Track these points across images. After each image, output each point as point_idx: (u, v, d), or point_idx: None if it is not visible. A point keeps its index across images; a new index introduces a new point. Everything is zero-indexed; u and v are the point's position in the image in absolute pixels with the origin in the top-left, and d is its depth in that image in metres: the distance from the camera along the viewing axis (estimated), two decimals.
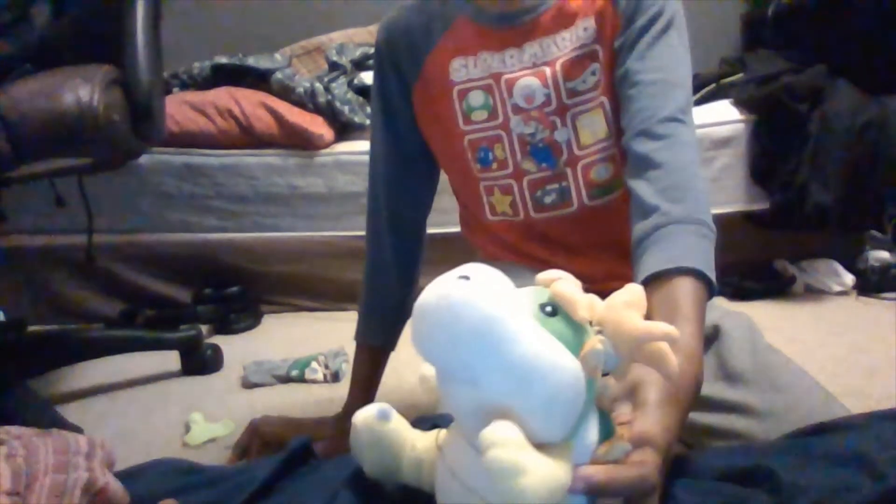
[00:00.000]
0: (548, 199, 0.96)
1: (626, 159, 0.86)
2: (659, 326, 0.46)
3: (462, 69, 0.95)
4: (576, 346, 0.46)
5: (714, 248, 0.74)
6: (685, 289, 0.68)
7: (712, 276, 0.70)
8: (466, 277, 0.45)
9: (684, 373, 0.56)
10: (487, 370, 0.44)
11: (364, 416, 0.55)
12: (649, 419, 0.52)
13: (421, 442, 0.54)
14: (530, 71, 0.92)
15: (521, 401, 0.44)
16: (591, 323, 0.49)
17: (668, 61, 0.86)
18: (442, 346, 0.45)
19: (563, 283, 0.48)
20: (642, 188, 0.80)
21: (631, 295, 0.48)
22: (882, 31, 1.91)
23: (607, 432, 0.49)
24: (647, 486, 0.48)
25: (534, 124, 0.93)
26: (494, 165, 0.96)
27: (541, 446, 0.43)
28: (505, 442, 0.41)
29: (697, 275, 0.69)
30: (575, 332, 0.47)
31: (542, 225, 0.97)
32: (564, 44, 0.92)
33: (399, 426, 0.55)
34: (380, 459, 0.55)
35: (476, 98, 0.95)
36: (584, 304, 0.47)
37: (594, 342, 0.47)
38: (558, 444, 0.45)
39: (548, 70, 0.92)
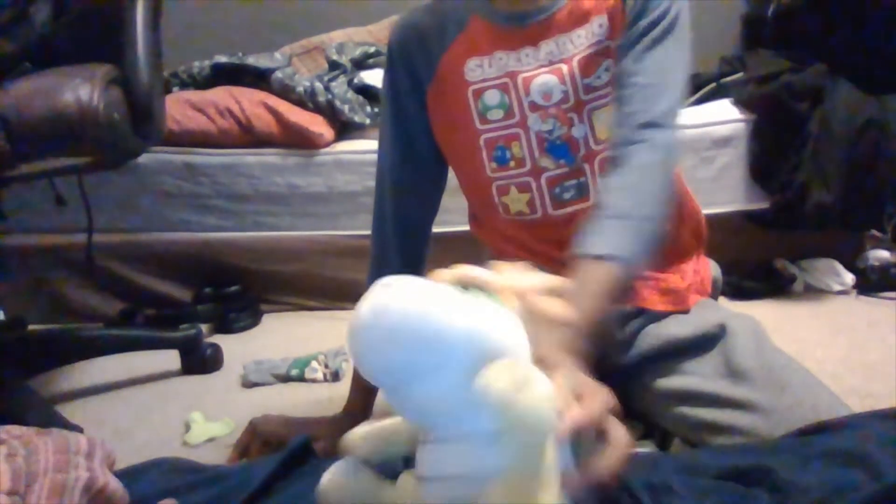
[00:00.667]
0: (567, 195, 0.96)
1: None
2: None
3: (477, 69, 0.96)
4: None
5: (646, 240, 0.77)
6: (593, 270, 0.73)
7: (629, 260, 0.73)
8: (388, 285, 0.47)
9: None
10: (448, 350, 0.45)
11: (332, 473, 0.55)
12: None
13: (393, 491, 0.53)
14: (547, 68, 0.93)
15: (486, 347, 0.46)
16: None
17: (662, 65, 0.87)
18: (393, 360, 0.46)
19: (460, 269, 0.52)
20: (603, 186, 0.83)
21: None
22: (882, 30, 1.91)
23: None
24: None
25: (552, 121, 0.94)
26: (512, 164, 0.97)
27: None
28: (508, 365, 0.44)
29: (603, 259, 0.73)
30: (495, 299, 0.50)
31: (559, 222, 0.97)
32: (580, 41, 0.93)
33: (368, 476, 0.55)
34: None
35: (492, 97, 0.95)
36: (489, 274, 0.51)
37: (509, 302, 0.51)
38: None
39: (564, 67, 0.92)
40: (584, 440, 0.49)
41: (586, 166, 0.95)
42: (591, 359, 0.64)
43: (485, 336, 0.46)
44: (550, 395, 0.45)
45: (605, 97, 0.93)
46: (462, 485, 0.47)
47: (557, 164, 0.95)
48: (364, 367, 0.47)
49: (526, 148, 0.96)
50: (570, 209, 0.96)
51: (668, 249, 0.97)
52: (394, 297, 0.46)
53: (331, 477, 0.54)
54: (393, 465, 0.57)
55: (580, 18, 0.93)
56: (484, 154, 0.97)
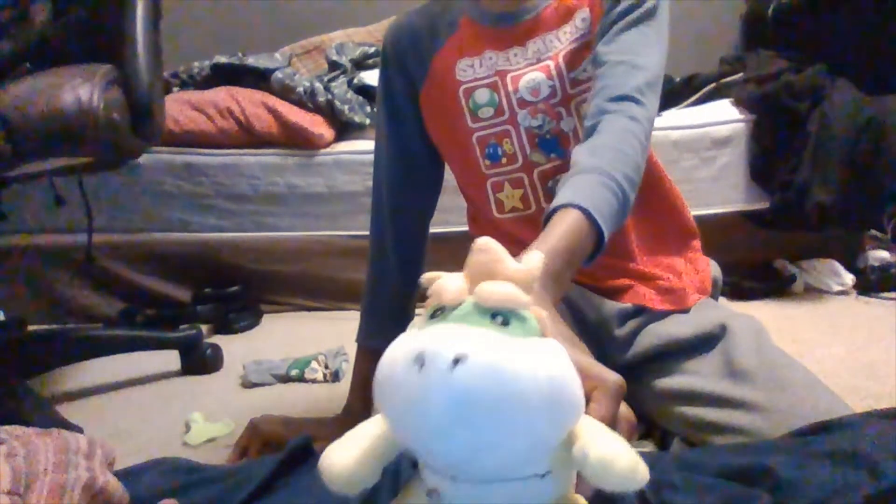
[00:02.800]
0: None
1: None
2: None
3: (468, 69, 0.97)
4: (534, 328, 0.41)
5: (617, 198, 0.73)
6: (558, 216, 0.69)
7: (598, 216, 0.69)
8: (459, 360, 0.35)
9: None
10: (528, 416, 0.37)
11: None
12: None
13: None
14: (535, 66, 0.94)
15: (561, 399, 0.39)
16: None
17: (635, 45, 0.86)
18: (474, 433, 0.36)
19: (490, 286, 0.41)
20: (576, 150, 0.79)
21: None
22: (882, 30, 1.91)
23: None
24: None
25: (541, 116, 0.95)
26: (504, 160, 0.98)
27: None
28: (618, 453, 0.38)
29: (574, 207, 0.69)
30: (528, 322, 0.41)
31: None
32: (565, 37, 0.94)
33: None
34: None
35: (482, 95, 0.97)
36: (520, 293, 0.41)
37: (538, 313, 0.42)
38: None
39: (551, 63, 0.94)
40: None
41: None
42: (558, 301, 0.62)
43: (561, 387, 0.39)
44: (633, 459, 0.39)
45: (590, 90, 0.93)
46: None
47: (549, 159, 0.96)
48: (428, 436, 0.38)
49: (517, 144, 0.97)
50: None
51: (649, 238, 0.98)
52: (481, 371, 0.35)
53: None
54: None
55: (565, 15, 0.94)
56: (477, 151, 0.99)
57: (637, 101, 0.82)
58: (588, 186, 0.72)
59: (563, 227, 0.67)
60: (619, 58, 0.85)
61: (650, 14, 0.88)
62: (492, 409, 0.35)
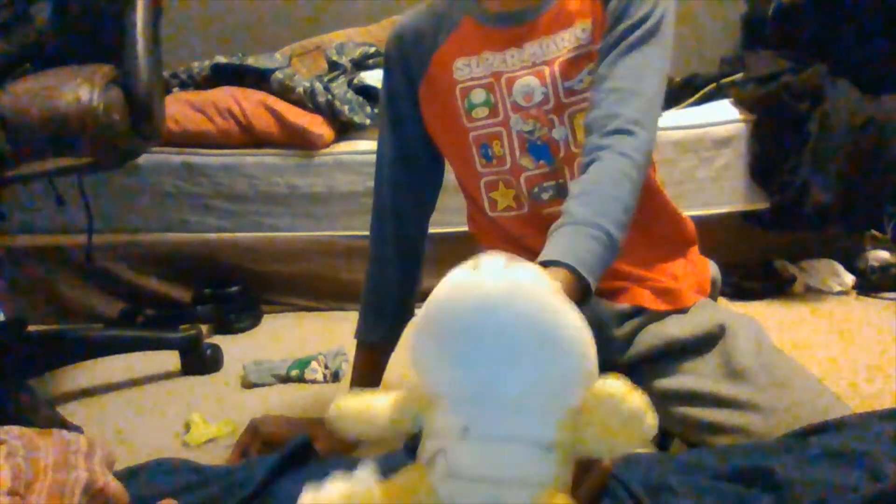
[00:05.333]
0: (545, 196, 0.97)
1: None
2: None
3: (465, 68, 0.97)
4: None
5: (606, 248, 0.76)
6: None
7: (583, 269, 0.72)
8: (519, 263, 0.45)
9: None
10: (552, 351, 0.44)
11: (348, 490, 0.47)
12: None
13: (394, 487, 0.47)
14: (530, 70, 0.94)
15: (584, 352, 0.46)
16: None
17: (636, 70, 0.86)
18: (503, 332, 0.43)
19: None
20: (570, 190, 0.82)
21: None
22: (882, 30, 1.91)
23: None
24: None
25: (532, 122, 0.95)
26: (494, 162, 0.98)
27: None
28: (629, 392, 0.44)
29: (561, 266, 0.72)
30: None
31: (546, 218, 0.97)
32: (563, 44, 0.93)
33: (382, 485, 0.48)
34: None
35: (478, 96, 0.97)
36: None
37: None
38: None
39: (546, 69, 0.93)
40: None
41: (566, 168, 0.95)
42: None
43: (590, 344, 0.46)
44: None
45: (586, 101, 0.93)
46: (508, 489, 0.44)
47: (537, 165, 0.96)
48: (465, 328, 0.44)
49: (507, 146, 0.97)
50: (547, 210, 0.97)
51: (645, 249, 0.97)
52: (530, 276, 0.44)
53: (348, 491, 0.47)
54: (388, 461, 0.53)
55: (565, 22, 0.93)
56: (473, 150, 0.99)
57: (630, 133, 0.82)
58: (575, 240, 0.75)
59: None
60: (617, 84, 0.85)
61: (653, 33, 0.87)
62: (531, 310, 0.42)
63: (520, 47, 0.95)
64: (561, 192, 0.96)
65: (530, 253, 0.99)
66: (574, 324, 0.45)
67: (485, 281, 0.43)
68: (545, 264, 0.71)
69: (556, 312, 0.44)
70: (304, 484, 0.50)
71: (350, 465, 0.57)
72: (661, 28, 0.88)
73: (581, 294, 0.71)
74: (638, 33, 0.87)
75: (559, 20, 0.94)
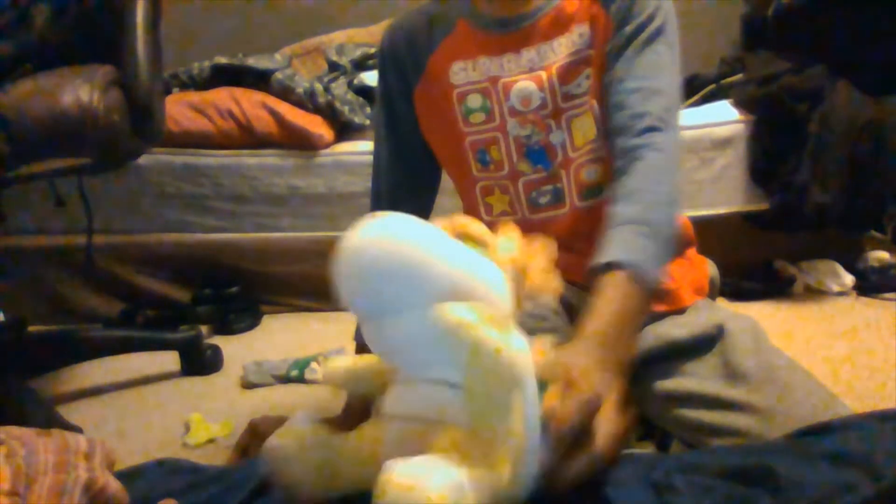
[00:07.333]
0: (543, 200, 0.97)
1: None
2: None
3: (462, 72, 0.97)
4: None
5: (661, 242, 0.76)
6: (602, 282, 0.71)
7: (642, 267, 0.72)
8: (376, 221, 0.47)
9: (584, 353, 0.62)
10: (420, 297, 0.45)
11: (284, 429, 0.51)
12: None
13: (352, 438, 0.51)
14: (527, 75, 0.93)
15: (467, 293, 0.46)
16: None
17: (653, 68, 0.86)
18: (372, 288, 0.46)
19: (460, 219, 0.52)
20: (611, 196, 0.82)
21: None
22: (882, 31, 1.91)
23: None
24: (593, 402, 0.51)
25: (530, 127, 0.94)
26: (492, 167, 0.98)
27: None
28: (470, 307, 0.44)
29: (618, 266, 0.71)
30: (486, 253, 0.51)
31: (537, 225, 0.97)
32: (560, 49, 0.93)
33: (320, 427, 0.51)
34: (313, 468, 0.49)
35: (474, 101, 0.96)
36: (483, 228, 0.51)
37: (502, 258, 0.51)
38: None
39: (544, 74, 0.93)
40: (556, 434, 0.47)
41: (563, 173, 0.95)
42: (620, 369, 0.63)
43: (466, 280, 0.46)
44: (523, 349, 0.44)
45: (584, 105, 0.93)
46: (421, 426, 0.47)
47: (535, 170, 0.96)
48: (343, 292, 0.47)
49: (504, 152, 0.96)
50: (544, 214, 0.97)
51: None
52: (383, 226, 0.46)
53: (283, 430, 0.51)
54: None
55: (562, 26, 0.93)
56: (469, 155, 0.98)
57: (661, 129, 0.82)
58: (629, 240, 0.75)
59: (610, 293, 0.70)
60: (636, 84, 0.85)
61: (661, 30, 0.88)
62: (380, 254, 0.46)
63: (517, 52, 0.94)
64: (558, 197, 0.96)
65: None
66: (430, 254, 0.46)
67: (351, 238, 0.47)
68: (601, 268, 0.71)
69: (406, 249, 0.46)
70: None
71: None
72: (668, 25, 0.88)
73: (647, 292, 0.71)
74: (648, 31, 0.87)
75: (556, 25, 0.93)
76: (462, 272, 0.46)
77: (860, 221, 1.96)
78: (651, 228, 0.76)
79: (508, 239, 0.53)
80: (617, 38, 0.88)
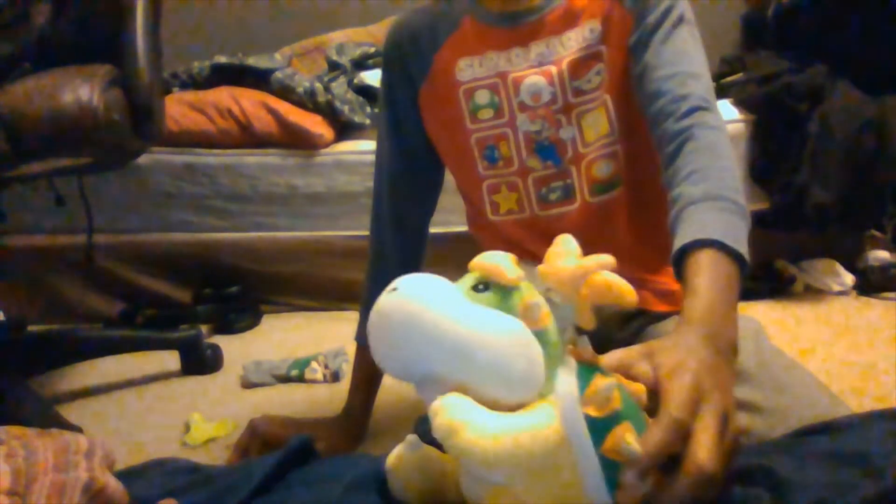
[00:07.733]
0: (553, 196, 0.97)
1: (639, 156, 0.89)
2: (591, 259, 0.48)
3: (468, 69, 0.96)
4: (517, 310, 0.48)
5: (741, 217, 0.73)
6: (693, 261, 0.67)
7: (731, 241, 0.67)
8: (394, 289, 0.49)
9: (693, 332, 0.60)
10: (432, 360, 0.47)
11: (398, 451, 0.55)
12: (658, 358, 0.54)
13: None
14: (536, 70, 0.93)
15: (471, 374, 0.46)
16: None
17: (682, 55, 0.87)
18: (392, 357, 0.49)
19: (484, 256, 0.50)
20: (669, 180, 0.79)
21: (560, 244, 0.51)
22: (882, 30, 1.91)
23: (588, 381, 0.48)
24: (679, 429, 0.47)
25: (540, 122, 0.94)
26: (500, 163, 0.97)
27: (518, 407, 0.46)
28: (444, 407, 0.45)
29: (707, 244, 0.67)
30: (512, 297, 0.48)
31: (546, 222, 0.97)
32: (570, 44, 0.93)
33: (430, 449, 0.55)
34: (425, 486, 0.54)
35: (482, 97, 0.96)
36: (508, 267, 0.48)
37: (529, 296, 0.48)
38: (536, 401, 0.47)
39: (554, 69, 0.92)
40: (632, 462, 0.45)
41: (573, 168, 0.95)
42: (734, 350, 0.61)
43: (468, 354, 0.47)
44: (479, 439, 0.44)
45: (594, 100, 0.93)
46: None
47: (545, 165, 0.96)
48: (385, 369, 0.50)
49: (514, 147, 0.96)
50: (554, 211, 0.97)
51: (647, 251, 0.97)
52: (393, 303, 0.48)
53: (397, 453, 0.55)
54: None
55: (571, 21, 0.93)
56: (476, 153, 0.98)
57: (706, 109, 0.82)
58: (708, 216, 0.71)
59: (705, 275, 0.65)
60: (671, 70, 0.85)
61: (682, 17, 0.88)
62: (399, 322, 0.48)
63: (525, 47, 0.94)
64: (568, 193, 0.96)
65: (531, 256, 0.99)
66: (437, 331, 0.47)
67: (380, 301, 0.49)
68: (687, 248, 0.67)
69: (413, 327, 0.47)
70: (305, 484, 0.50)
71: (351, 465, 0.57)
72: (686, 10, 0.90)
73: (737, 267, 0.67)
74: (671, 18, 0.88)
75: (565, 20, 0.93)
76: (469, 334, 0.47)
77: (860, 221, 1.96)
78: (725, 203, 0.73)
79: (546, 273, 0.50)
80: (640, 31, 0.88)
